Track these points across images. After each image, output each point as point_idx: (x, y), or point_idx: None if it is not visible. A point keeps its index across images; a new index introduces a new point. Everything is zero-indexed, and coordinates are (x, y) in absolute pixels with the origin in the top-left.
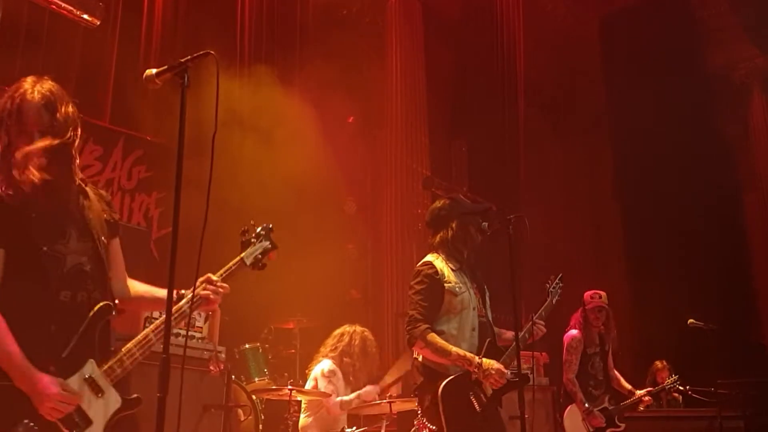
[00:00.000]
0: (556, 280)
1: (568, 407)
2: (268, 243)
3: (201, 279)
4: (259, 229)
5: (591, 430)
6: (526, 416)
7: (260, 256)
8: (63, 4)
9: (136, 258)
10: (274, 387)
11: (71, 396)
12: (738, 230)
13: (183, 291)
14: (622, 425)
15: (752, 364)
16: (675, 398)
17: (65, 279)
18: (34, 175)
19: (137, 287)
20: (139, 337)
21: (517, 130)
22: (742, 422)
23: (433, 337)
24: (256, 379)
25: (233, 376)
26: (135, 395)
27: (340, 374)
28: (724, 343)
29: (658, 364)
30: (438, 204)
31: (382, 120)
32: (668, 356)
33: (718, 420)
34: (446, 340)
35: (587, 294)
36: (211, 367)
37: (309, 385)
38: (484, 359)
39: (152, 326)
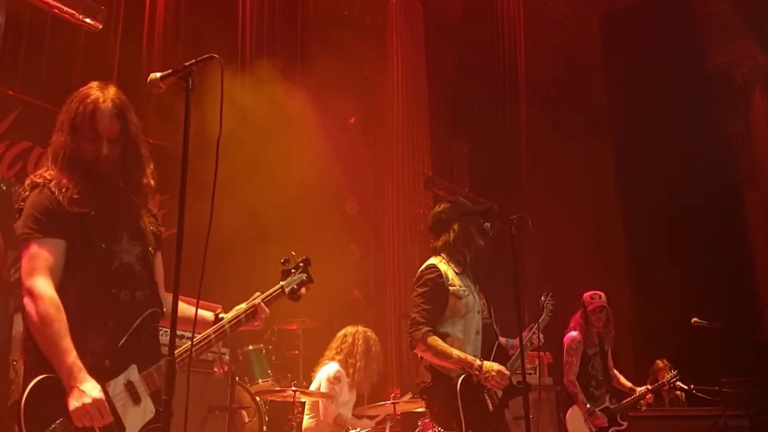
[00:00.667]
0: (548, 298)
1: (570, 408)
2: (305, 276)
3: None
4: (299, 261)
5: (594, 430)
6: (531, 416)
7: (296, 287)
8: (65, 8)
9: None
10: (277, 388)
11: (107, 410)
12: (740, 228)
13: (222, 314)
14: (625, 423)
15: (756, 362)
16: (678, 397)
17: (113, 276)
18: (98, 178)
19: (181, 305)
20: (179, 350)
21: (519, 130)
22: (747, 421)
23: (434, 340)
24: (260, 380)
25: (237, 378)
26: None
27: (344, 380)
28: (727, 341)
29: (660, 363)
30: (438, 208)
31: (384, 120)
32: (671, 355)
33: (723, 419)
34: (452, 343)
35: (586, 295)
36: (215, 369)
37: (313, 387)
38: (485, 362)
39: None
